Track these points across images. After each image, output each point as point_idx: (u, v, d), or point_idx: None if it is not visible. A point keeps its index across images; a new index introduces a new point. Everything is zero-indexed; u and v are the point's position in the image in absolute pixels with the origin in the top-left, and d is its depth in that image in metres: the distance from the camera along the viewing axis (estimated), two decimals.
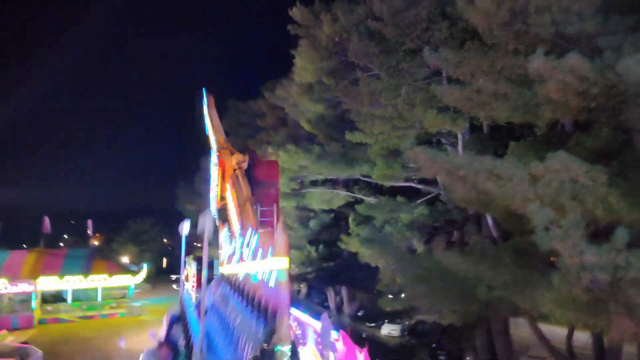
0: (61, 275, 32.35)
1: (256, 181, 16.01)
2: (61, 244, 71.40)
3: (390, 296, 13.70)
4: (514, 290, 7.73)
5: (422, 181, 17.94)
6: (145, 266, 41.20)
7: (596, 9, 7.32)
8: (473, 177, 7.28)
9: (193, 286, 26.99)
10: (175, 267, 65.07)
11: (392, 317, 25.46)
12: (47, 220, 40.72)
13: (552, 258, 7.67)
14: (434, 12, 12.80)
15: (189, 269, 29.56)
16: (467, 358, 18.66)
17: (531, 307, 7.45)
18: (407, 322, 25.94)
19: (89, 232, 49.84)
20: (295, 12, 18.53)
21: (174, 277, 53.83)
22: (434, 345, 20.15)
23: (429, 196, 18.38)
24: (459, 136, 15.12)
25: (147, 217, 67.14)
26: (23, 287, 30.73)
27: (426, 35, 13.25)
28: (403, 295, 12.52)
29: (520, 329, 17.57)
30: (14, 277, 30.72)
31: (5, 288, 30.15)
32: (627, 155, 8.59)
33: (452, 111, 13.10)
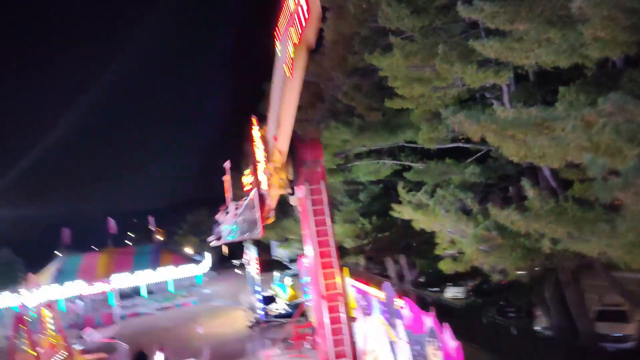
0: (132, 272, 34.32)
1: (300, 161, 16.19)
2: (128, 242, 75.54)
3: (450, 258, 13.63)
4: (579, 241, 7.51)
5: (470, 140, 17.46)
6: (208, 255, 42.88)
7: None
8: (523, 134, 7.04)
9: (257, 271, 27.84)
10: (236, 252, 67.39)
11: (455, 280, 25.33)
12: (112, 221, 43.15)
13: (616, 202, 7.36)
14: None
15: (249, 254, 30.53)
16: (538, 312, 18.37)
17: (599, 255, 7.22)
18: (470, 283, 25.74)
19: (152, 227, 52.37)
20: None
21: (236, 262, 55.80)
22: (501, 302, 19.95)
23: (479, 154, 17.88)
24: (504, 88, 14.53)
25: (203, 207, 69.59)
26: (100, 286, 32.92)
27: None
28: (464, 256, 12.43)
29: (592, 276, 17.08)
30: (90, 278, 32.94)
31: (84, 289, 32.40)
32: None
33: (493, 63, 12.59)
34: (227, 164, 18.39)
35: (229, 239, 16.71)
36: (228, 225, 16.73)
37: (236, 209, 16.67)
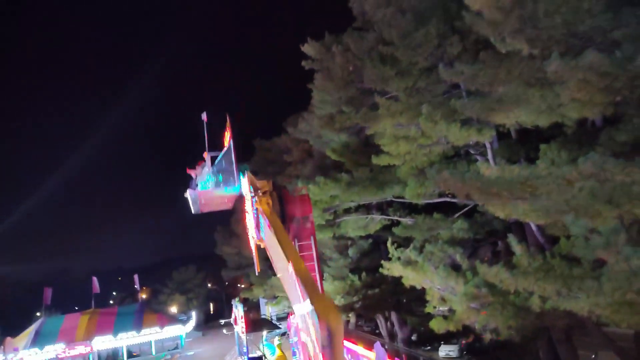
0: (115, 334, 33.05)
1: (290, 217, 16.16)
2: (111, 302, 73.20)
3: (441, 317, 13.37)
4: (568, 299, 7.45)
5: (454, 193, 17.69)
6: (193, 314, 41.63)
7: (606, 4, 7.25)
8: (507, 192, 7.17)
9: (242, 330, 26.98)
10: (223, 311, 65.54)
11: (447, 338, 24.71)
12: (95, 281, 41.98)
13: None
14: (444, 29, 12.86)
15: (237, 312, 29.62)
16: None
17: (588, 314, 7.15)
18: (463, 341, 25.12)
19: (136, 286, 50.99)
20: (307, 48, 18.96)
21: (223, 321, 54.14)
22: None
23: (466, 209, 18.03)
24: (487, 145, 14.91)
25: (189, 265, 68.35)
26: (80, 349, 31.54)
27: (439, 51, 13.31)
28: (455, 314, 12.21)
29: (585, 333, 16.76)
30: (70, 341, 31.60)
31: (64, 352, 30.99)
32: None
33: (476, 122, 12.99)
34: (204, 116, 17.49)
35: (202, 188, 16.01)
36: (203, 176, 16.35)
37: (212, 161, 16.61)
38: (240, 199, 17.38)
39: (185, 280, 65.89)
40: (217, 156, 17.02)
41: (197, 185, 16.47)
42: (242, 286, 58.31)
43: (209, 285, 76.26)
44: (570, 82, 7.18)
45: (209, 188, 16.36)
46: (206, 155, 16.70)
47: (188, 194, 15.91)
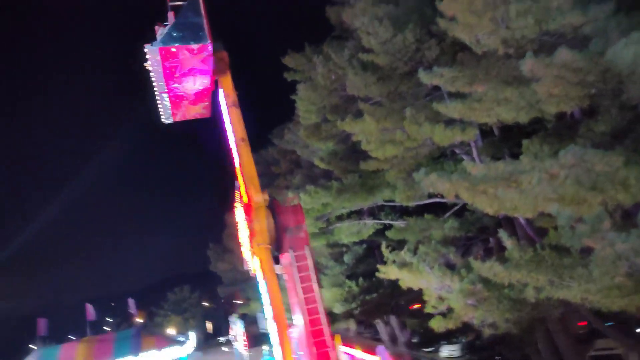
0: None
1: (283, 228, 16.24)
2: (107, 328, 72.17)
3: (440, 315, 13.54)
4: (561, 288, 7.67)
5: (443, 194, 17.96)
6: (192, 335, 41.23)
7: (573, 1, 7.56)
8: (493, 189, 7.40)
9: (244, 346, 26.85)
10: (221, 328, 64.99)
11: (448, 337, 24.87)
12: (89, 308, 41.44)
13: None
14: (421, 33, 13.17)
15: (236, 328, 29.48)
16: None
17: (582, 301, 7.37)
18: (464, 340, 25.30)
19: (132, 311, 50.39)
20: (288, 60, 19.24)
21: (222, 339, 53.66)
22: (496, 357, 19.60)
23: (456, 208, 18.32)
24: (472, 144, 15.22)
25: (184, 284, 67.75)
26: None
27: (417, 55, 13.60)
28: (453, 312, 12.40)
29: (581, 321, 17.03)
30: None
31: None
32: (638, 130, 8.63)
33: (459, 122, 13.27)
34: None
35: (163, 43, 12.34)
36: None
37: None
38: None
39: (180, 301, 65.33)
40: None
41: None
42: (240, 302, 57.97)
43: (206, 304, 75.64)
44: (546, 79, 7.45)
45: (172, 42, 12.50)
46: (171, 15, 13.07)
47: (147, 49, 12.34)
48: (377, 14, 13.72)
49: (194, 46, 12.46)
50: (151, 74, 13.07)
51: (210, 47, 12.63)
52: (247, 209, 14.47)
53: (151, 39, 12.55)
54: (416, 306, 22.82)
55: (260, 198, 13.91)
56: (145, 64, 12.75)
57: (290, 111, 22.63)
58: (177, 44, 12.35)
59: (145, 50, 12.24)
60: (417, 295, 17.22)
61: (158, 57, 12.39)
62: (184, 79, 13.62)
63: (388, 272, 13.83)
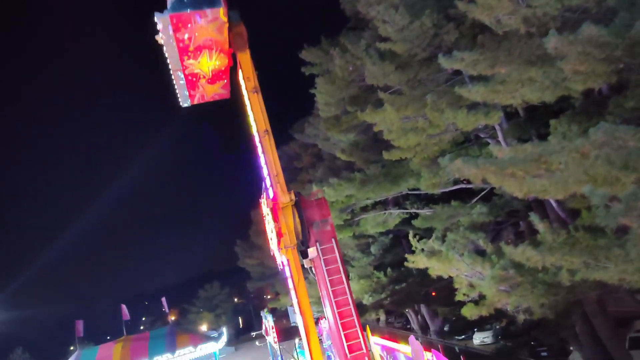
0: (150, 358, 33.40)
1: (310, 222, 16.27)
2: (141, 327, 74.00)
3: (472, 303, 13.39)
4: (597, 269, 7.47)
5: (471, 180, 17.70)
6: (224, 330, 41.98)
7: None
8: (522, 172, 7.23)
9: (275, 340, 27.13)
10: (252, 323, 65.90)
11: (481, 324, 24.61)
12: (124, 308, 42.46)
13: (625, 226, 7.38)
14: (438, 18, 12.94)
15: (266, 322, 29.80)
16: (571, 348, 17.73)
17: (619, 282, 7.16)
18: (497, 326, 24.98)
19: (165, 309, 51.48)
20: (305, 54, 19.20)
21: (254, 334, 54.37)
22: (532, 343, 19.29)
23: (483, 193, 18.03)
24: (497, 127, 14.93)
25: (214, 281, 68.80)
26: None
27: (436, 41, 13.38)
28: (485, 299, 12.24)
29: (619, 303, 16.59)
30: None
31: None
32: None
33: (482, 105, 13.02)
34: None
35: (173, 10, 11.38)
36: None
37: None
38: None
39: (211, 297, 66.40)
40: None
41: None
42: (269, 297, 58.58)
43: (236, 299, 76.77)
44: (571, 56, 7.23)
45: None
46: None
47: (157, 17, 11.18)
48: (392, 2, 13.53)
49: (208, 11, 11.29)
50: (164, 48, 11.93)
51: (225, 12, 11.45)
52: (274, 208, 14.38)
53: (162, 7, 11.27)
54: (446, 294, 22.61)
55: (286, 198, 13.76)
56: (156, 37, 11.59)
57: (310, 105, 22.63)
58: (188, 10, 11.16)
59: (155, 19, 11.01)
60: (447, 283, 17.08)
61: (170, 27, 11.21)
62: (199, 53, 12.56)
63: (417, 261, 13.72)
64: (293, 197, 13.86)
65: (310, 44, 18.30)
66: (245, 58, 12.82)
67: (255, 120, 13.19)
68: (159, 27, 11.23)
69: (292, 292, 14.11)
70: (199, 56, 12.70)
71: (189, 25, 11.43)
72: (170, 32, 11.39)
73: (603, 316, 14.37)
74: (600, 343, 14.59)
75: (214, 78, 13.99)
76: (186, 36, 11.71)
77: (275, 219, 13.90)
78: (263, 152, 13.72)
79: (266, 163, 13.83)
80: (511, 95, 9.98)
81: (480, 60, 10.43)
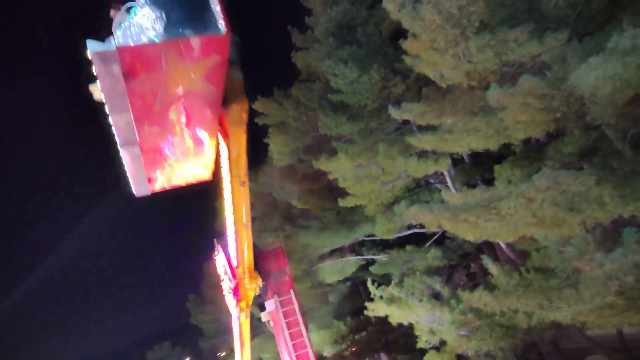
0: None
1: (266, 273, 15.94)
2: None
3: (434, 350, 13.35)
4: (551, 310, 7.72)
5: (424, 225, 18.10)
6: None
7: (530, 33, 7.97)
8: (474, 217, 7.51)
9: None
10: None
11: None
12: None
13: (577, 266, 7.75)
14: (385, 72, 13.61)
15: None
16: None
17: (572, 321, 7.41)
18: None
19: None
20: (258, 105, 19.44)
21: None
22: None
23: (435, 237, 18.46)
24: (445, 173, 15.54)
25: (163, 341, 65.04)
26: None
27: (384, 93, 13.99)
28: (446, 345, 12.25)
29: (569, 340, 17.05)
30: None
31: None
32: (605, 148, 9.01)
33: (431, 153, 13.57)
34: None
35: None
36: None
37: None
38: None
39: (161, 359, 62.57)
40: None
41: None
42: (223, 354, 55.95)
43: (187, 359, 72.64)
44: (512, 107, 7.74)
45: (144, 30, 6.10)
46: None
47: (92, 51, 5.94)
48: (341, 56, 14.15)
49: (194, 41, 6.22)
50: (100, 94, 6.56)
51: (227, 42, 6.46)
52: (236, 288, 13.77)
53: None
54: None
55: (253, 285, 13.47)
56: (90, 88, 6.87)
57: (264, 153, 22.69)
58: (157, 37, 6.05)
59: (89, 52, 5.94)
60: (406, 330, 17.01)
61: (116, 67, 6.09)
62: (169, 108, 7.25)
63: (377, 309, 13.66)
64: (260, 282, 13.58)
65: (264, 95, 18.61)
66: (238, 135, 9.09)
67: (235, 211, 11.15)
68: (97, 67, 6.14)
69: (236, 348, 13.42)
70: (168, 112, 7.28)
71: (158, 65, 6.35)
72: (118, 74, 6.19)
73: (557, 354, 14.72)
74: None
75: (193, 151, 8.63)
76: (149, 85, 6.61)
77: (236, 295, 13.45)
78: (236, 240, 12.20)
79: (237, 251, 12.69)
80: (458, 143, 10.48)
81: (428, 111, 10.96)
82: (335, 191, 18.84)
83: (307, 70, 17.57)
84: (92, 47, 5.88)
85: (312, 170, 18.39)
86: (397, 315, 13.16)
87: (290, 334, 14.31)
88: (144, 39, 6.01)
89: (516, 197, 7.43)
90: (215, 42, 6.35)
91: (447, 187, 15.52)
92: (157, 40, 6.04)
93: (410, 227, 18.39)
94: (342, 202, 17.26)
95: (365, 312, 16.00)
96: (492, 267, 9.54)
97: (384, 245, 20.67)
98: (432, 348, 12.85)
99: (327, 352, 23.31)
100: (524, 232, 7.25)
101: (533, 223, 6.85)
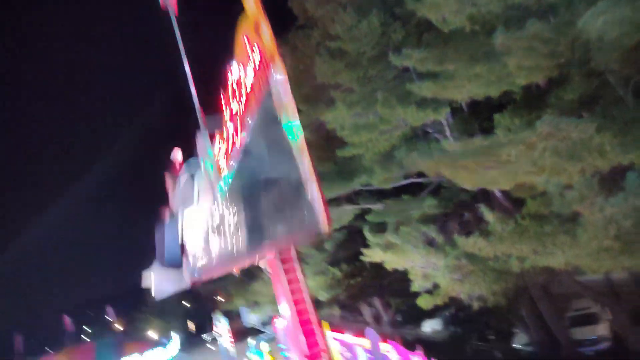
0: None
1: None
2: (85, 338, 70.56)
3: (427, 293, 13.81)
4: (545, 256, 7.91)
5: (421, 174, 18.15)
6: (175, 336, 40.81)
7: None
8: (473, 164, 7.53)
9: (231, 342, 26.70)
10: (203, 326, 64.42)
11: (432, 313, 25.39)
12: (67, 319, 40.43)
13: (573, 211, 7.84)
14: (385, 17, 13.19)
15: (220, 325, 29.29)
16: (517, 330, 18.68)
17: (566, 266, 7.62)
18: (447, 314, 25.86)
19: (110, 318, 49.38)
20: None
21: (206, 337, 53.18)
22: (481, 328, 20.15)
23: (431, 186, 18.58)
24: (444, 122, 15.42)
25: None
26: None
27: (384, 39, 13.62)
28: (439, 289, 12.66)
29: (560, 285, 17.63)
30: None
31: None
32: (606, 96, 8.92)
33: (430, 101, 13.40)
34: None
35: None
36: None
37: None
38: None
39: (161, 302, 64.28)
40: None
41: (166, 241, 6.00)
42: (221, 299, 57.53)
43: (186, 303, 74.70)
44: (517, 52, 7.59)
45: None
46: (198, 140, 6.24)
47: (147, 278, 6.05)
48: (340, 1, 13.67)
49: None
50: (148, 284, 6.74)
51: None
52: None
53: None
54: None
55: None
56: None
57: None
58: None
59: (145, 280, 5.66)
60: (401, 275, 17.47)
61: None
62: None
63: (372, 255, 13.97)
64: None
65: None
66: None
67: None
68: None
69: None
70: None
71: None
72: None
73: (547, 299, 15.27)
74: (545, 324, 15.51)
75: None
76: None
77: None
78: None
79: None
80: (459, 90, 10.36)
81: (429, 57, 10.73)
82: (333, 141, 18.72)
83: (304, 16, 16.97)
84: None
85: (310, 119, 18.20)
86: (392, 261, 13.48)
87: (287, 279, 14.69)
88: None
89: (516, 144, 7.44)
90: None
91: (446, 137, 15.47)
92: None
93: (407, 177, 18.47)
94: (340, 152, 17.21)
95: (361, 257, 16.37)
96: (489, 215, 9.68)
97: (381, 195, 20.81)
98: (425, 292, 13.27)
99: (322, 296, 24.07)
100: (523, 179, 7.31)
101: (532, 171, 6.89)
